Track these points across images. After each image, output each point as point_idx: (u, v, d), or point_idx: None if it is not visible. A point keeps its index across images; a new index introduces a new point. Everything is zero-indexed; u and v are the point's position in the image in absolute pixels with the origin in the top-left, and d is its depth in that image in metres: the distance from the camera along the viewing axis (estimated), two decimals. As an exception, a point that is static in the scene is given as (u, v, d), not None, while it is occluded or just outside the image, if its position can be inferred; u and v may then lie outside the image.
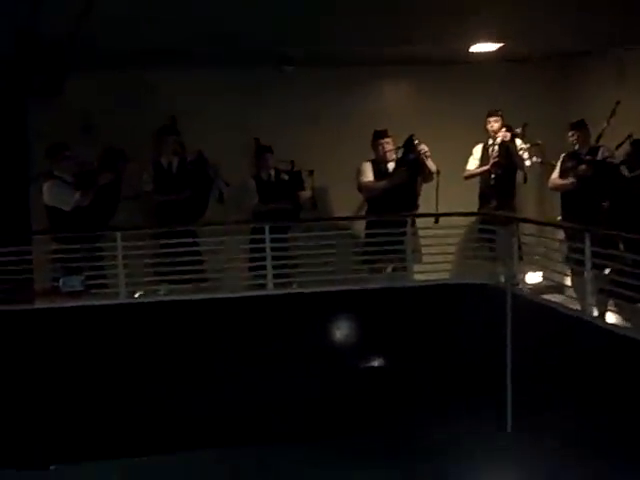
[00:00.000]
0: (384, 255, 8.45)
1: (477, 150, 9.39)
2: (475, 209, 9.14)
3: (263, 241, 8.18)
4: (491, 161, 9.21)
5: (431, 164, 8.91)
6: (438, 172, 8.85)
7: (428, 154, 8.86)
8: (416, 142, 8.86)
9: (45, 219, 8.59)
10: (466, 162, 9.40)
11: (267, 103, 9.62)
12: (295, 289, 8.49)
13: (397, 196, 8.89)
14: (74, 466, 7.82)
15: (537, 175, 9.69)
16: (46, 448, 7.69)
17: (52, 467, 8.12)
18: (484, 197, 9.28)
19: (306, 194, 9.16)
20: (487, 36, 8.82)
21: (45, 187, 8.50)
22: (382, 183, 9.03)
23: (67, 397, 7.71)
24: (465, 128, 9.52)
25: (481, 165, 9.32)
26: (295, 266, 8.47)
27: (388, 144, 9.04)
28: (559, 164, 8.86)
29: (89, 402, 7.73)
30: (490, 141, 9.27)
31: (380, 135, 9.08)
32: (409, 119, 9.59)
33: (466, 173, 9.38)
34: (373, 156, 9.15)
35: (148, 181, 8.82)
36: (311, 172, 9.13)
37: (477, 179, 9.40)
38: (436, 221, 8.44)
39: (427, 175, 8.95)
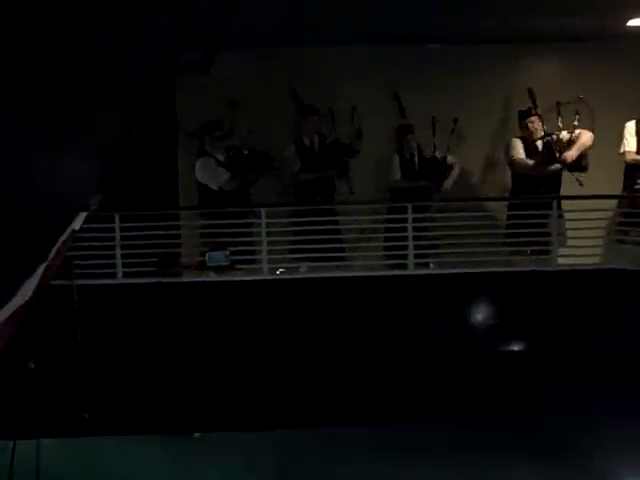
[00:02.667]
0: (526, 237, 8.26)
1: (631, 126, 8.80)
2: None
3: (401, 220, 8.16)
4: (636, 139, 8.74)
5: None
6: None
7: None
8: None
9: (195, 195, 8.84)
10: (616, 141, 8.83)
11: (413, 81, 9.45)
12: (434, 270, 8.43)
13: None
14: (218, 435, 8.06)
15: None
16: (191, 415, 7.92)
17: (196, 434, 8.42)
18: (629, 178, 8.80)
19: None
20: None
21: (197, 164, 8.73)
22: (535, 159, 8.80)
23: (212, 367, 7.90)
24: (620, 107, 9.00)
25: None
26: (434, 246, 8.40)
27: (533, 123, 8.79)
28: None
29: (233, 373, 7.90)
30: (644, 120, 8.75)
31: (525, 115, 8.84)
32: (560, 97, 9.24)
33: (628, 157, 8.71)
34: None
35: (293, 161, 8.94)
36: None
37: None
38: None
39: None
